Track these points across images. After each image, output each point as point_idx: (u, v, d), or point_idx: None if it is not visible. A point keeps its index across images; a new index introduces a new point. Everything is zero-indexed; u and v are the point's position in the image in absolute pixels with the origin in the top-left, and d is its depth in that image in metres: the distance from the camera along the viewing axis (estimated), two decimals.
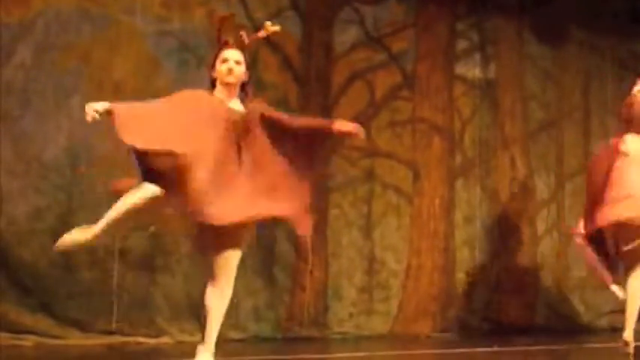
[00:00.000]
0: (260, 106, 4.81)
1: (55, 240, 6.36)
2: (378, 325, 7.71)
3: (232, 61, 4.86)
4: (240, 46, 4.98)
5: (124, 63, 6.85)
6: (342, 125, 4.93)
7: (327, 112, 7.65)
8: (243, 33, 4.99)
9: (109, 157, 6.22)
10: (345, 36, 7.85)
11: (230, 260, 4.78)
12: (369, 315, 7.70)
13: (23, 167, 6.44)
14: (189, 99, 4.71)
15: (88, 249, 6.55)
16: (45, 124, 6.53)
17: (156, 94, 6.81)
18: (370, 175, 7.85)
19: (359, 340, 7.43)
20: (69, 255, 6.47)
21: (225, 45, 4.95)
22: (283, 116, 4.86)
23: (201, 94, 4.76)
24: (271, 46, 7.47)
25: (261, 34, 5.04)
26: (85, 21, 6.73)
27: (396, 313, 7.83)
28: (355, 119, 7.70)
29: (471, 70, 8.52)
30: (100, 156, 6.51)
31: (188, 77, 7.00)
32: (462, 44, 8.51)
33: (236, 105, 4.79)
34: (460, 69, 8.45)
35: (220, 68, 4.85)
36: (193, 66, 7.05)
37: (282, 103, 7.47)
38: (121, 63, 6.84)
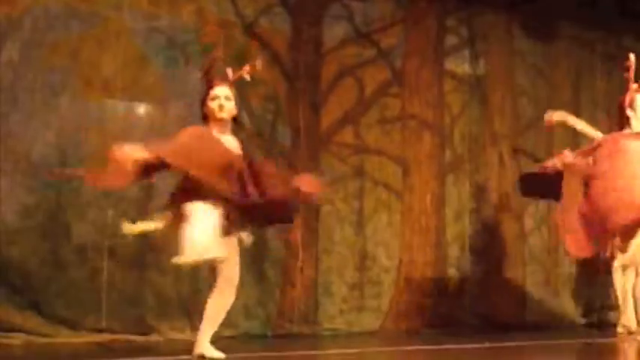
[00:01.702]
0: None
1: (45, 238, 6.42)
2: (369, 321, 7.71)
3: (222, 98, 5.09)
4: (228, 82, 5.20)
5: (113, 60, 6.83)
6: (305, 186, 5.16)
7: (316, 108, 7.65)
8: (229, 70, 5.22)
9: (97, 155, 6.20)
10: (334, 32, 7.83)
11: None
12: (360, 311, 7.69)
13: (11, 165, 6.41)
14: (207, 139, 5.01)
15: (76, 247, 6.56)
16: (33, 122, 6.50)
17: (144, 91, 6.88)
18: (360, 172, 7.85)
19: (350, 336, 7.42)
20: (58, 253, 6.46)
21: (213, 84, 5.15)
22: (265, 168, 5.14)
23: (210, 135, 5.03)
24: (260, 41, 7.46)
25: (246, 71, 5.26)
26: (73, 18, 6.70)
27: (386, 309, 7.82)
28: (344, 115, 7.79)
29: (460, 65, 8.51)
30: (88, 153, 6.49)
31: (176, 74, 7.01)
32: (451, 40, 8.50)
33: (229, 140, 5.06)
34: (450, 65, 8.45)
35: (212, 106, 5.08)
36: (182, 63, 7.04)
37: (271, 99, 7.47)
38: (109, 60, 6.82)
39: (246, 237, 5.21)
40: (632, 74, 6.17)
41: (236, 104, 5.14)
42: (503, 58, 8.73)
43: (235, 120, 5.15)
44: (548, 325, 8.25)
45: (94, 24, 6.77)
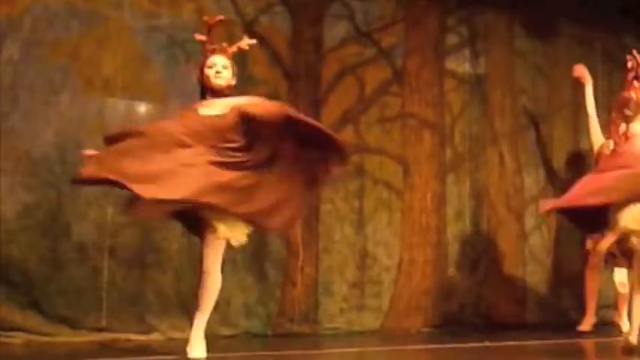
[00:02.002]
0: (239, 111, 4.96)
1: (45, 236, 6.42)
2: (370, 320, 7.71)
3: (220, 66, 5.16)
4: (226, 53, 5.27)
5: (113, 59, 6.82)
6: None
7: (317, 107, 7.65)
8: (224, 44, 5.30)
9: None
10: (335, 31, 7.83)
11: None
12: (361, 310, 7.69)
13: (12, 164, 6.40)
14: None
15: (77, 245, 6.56)
16: (33, 121, 6.49)
17: (145, 90, 6.88)
18: (360, 171, 7.84)
19: (350, 335, 7.42)
20: (58, 252, 6.46)
21: (211, 51, 5.24)
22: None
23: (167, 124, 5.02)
24: (261, 41, 7.45)
25: (242, 44, 5.39)
26: (73, 17, 6.69)
27: (387, 308, 7.82)
28: (345, 114, 7.79)
29: (461, 65, 8.51)
30: None
31: (177, 72, 7.00)
32: (452, 39, 8.50)
33: (219, 107, 5.01)
34: (450, 64, 8.45)
35: (208, 72, 5.16)
36: (182, 61, 7.03)
37: (271, 99, 7.41)
38: (109, 59, 6.81)
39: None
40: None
41: (234, 75, 5.21)
42: (503, 57, 8.72)
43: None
44: (549, 325, 8.25)
45: (94, 23, 6.76)
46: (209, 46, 5.28)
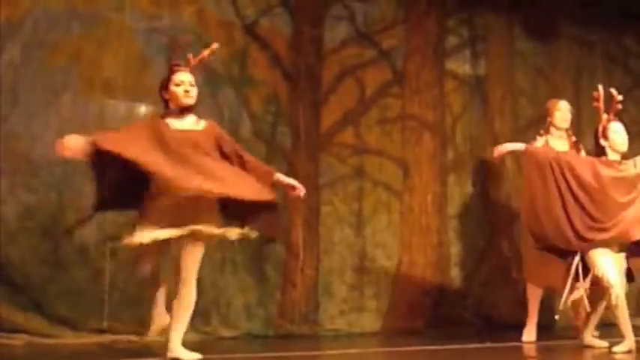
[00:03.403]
0: (215, 129, 5.23)
1: (46, 238, 6.42)
2: (370, 321, 7.71)
3: (187, 84, 5.17)
4: (190, 68, 5.29)
5: (114, 60, 6.83)
6: (285, 179, 5.36)
7: (317, 108, 7.65)
8: (190, 55, 5.31)
9: None
10: (335, 32, 7.84)
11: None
12: (361, 312, 7.69)
13: (12, 165, 6.42)
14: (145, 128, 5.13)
15: (78, 247, 6.56)
16: (34, 122, 6.51)
17: (146, 91, 6.88)
18: (360, 173, 7.85)
19: (350, 337, 7.42)
20: (59, 253, 6.46)
21: (177, 68, 5.22)
22: (235, 145, 5.28)
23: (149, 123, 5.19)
24: (261, 42, 7.47)
25: (206, 54, 5.41)
26: (74, 19, 6.70)
27: (387, 309, 7.82)
28: (345, 116, 7.79)
29: (461, 66, 8.51)
30: None
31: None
32: (452, 40, 8.50)
33: (189, 123, 5.16)
34: (450, 65, 8.45)
35: (177, 91, 5.14)
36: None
37: (271, 100, 7.47)
38: (110, 60, 6.82)
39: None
40: (602, 104, 6.29)
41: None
42: (503, 58, 8.72)
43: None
44: (549, 325, 8.25)
45: (94, 25, 6.77)
46: (173, 62, 5.30)
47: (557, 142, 7.21)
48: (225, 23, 7.32)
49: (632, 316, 8.78)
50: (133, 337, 6.52)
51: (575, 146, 7.27)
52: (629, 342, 6.00)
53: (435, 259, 8.10)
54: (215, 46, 5.51)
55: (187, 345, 5.20)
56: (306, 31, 7.70)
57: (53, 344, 6.20)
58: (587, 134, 8.10)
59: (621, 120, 6.39)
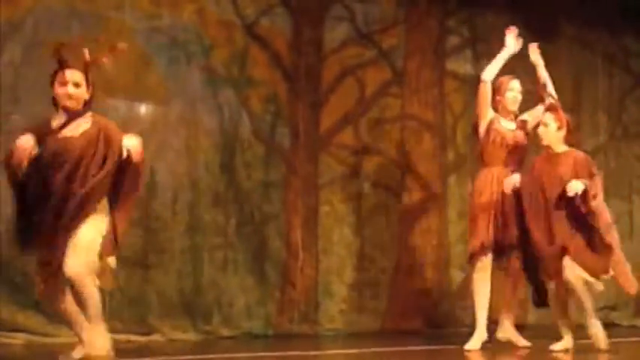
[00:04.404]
0: (101, 126, 4.76)
1: None
2: (369, 321, 7.71)
3: (71, 84, 4.72)
4: (82, 66, 4.79)
5: (114, 60, 6.82)
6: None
7: (317, 108, 7.66)
8: (85, 50, 4.84)
9: None
10: (336, 33, 7.84)
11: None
12: (360, 311, 7.70)
13: None
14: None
15: None
16: (35, 122, 6.48)
17: (147, 91, 6.89)
18: (359, 173, 7.85)
19: (350, 336, 7.42)
20: None
21: (64, 65, 4.74)
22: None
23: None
24: (261, 42, 7.47)
25: (105, 54, 4.96)
26: (74, 18, 6.71)
27: (386, 309, 7.82)
28: (345, 116, 7.79)
29: (462, 66, 8.51)
30: None
31: (178, 73, 7.01)
32: (452, 40, 8.51)
33: (76, 127, 4.75)
34: (451, 65, 8.45)
35: (58, 91, 4.74)
36: (183, 62, 7.05)
37: (271, 100, 7.47)
38: (110, 60, 6.81)
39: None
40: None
41: (88, 90, 4.79)
42: None
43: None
44: (549, 325, 8.24)
45: (95, 24, 6.78)
46: (62, 58, 4.79)
47: (506, 122, 6.72)
48: (226, 23, 7.32)
49: (632, 316, 8.93)
50: (133, 337, 6.53)
51: (522, 125, 6.78)
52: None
53: (434, 260, 8.10)
54: (121, 46, 5.11)
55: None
56: (307, 31, 7.71)
57: (53, 343, 6.19)
58: (587, 134, 8.11)
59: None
